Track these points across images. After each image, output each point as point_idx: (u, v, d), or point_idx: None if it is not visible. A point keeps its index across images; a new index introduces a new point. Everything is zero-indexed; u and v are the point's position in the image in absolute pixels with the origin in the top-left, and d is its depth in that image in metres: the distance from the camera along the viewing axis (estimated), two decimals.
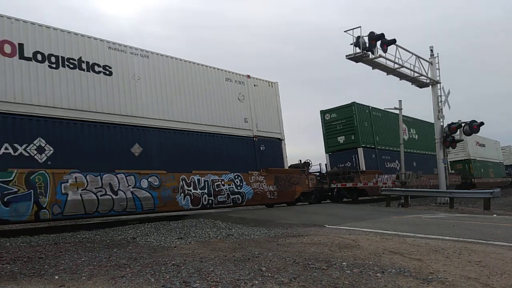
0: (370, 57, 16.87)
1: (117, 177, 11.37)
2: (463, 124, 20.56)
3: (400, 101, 21.36)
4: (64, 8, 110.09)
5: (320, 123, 23.48)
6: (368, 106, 23.30)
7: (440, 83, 20.57)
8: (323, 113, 23.33)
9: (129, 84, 12.28)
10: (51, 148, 10.40)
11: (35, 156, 10.09)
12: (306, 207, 15.58)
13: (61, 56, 10.99)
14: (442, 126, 20.52)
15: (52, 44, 10.87)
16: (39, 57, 10.59)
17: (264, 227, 9.77)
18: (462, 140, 22.70)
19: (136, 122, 12.25)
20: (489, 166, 37.28)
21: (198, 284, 4.27)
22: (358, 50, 16.36)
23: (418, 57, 19.69)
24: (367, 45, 16.32)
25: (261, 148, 15.99)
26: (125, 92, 12.15)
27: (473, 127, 20.48)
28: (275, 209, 15.73)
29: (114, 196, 11.20)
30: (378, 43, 16.75)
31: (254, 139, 15.84)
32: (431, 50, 20.60)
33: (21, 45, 10.29)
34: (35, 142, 10.14)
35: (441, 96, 20.50)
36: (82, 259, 5.91)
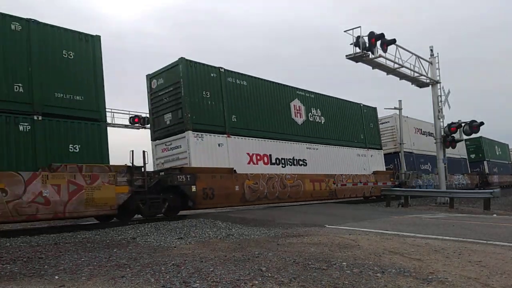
0: (370, 57, 16.84)
1: None
2: (463, 124, 20.56)
3: (400, 101, 21.44)
4: (63, 7, 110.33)
5: None
6: None
7: (440, 83, 20.57)
8: None
9: None
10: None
11: None
12: (306, 207, 15.58)
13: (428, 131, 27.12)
14: (442, 126, 20.54)
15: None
16: (423, 133, 27.09)
17: (264, 227, 9.76)
18: (462, 140, 22.82)
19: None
20: None
21: (198, 284, 4.27)
22: (358, 50, 16.35)
23: (418, 57, 19.68)
24: (367, 45, 16.31)
25: (463, 163, 32.79)
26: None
27: (473, 127, 20.47)
28: (275, 209, 15.77)
29: None
30: (378, 43, 16.70)
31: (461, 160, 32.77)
32: (431, 50, 20.60)
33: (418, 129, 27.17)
34: None
35: (441, 96, 20.51)
36: (82, 259, 5.91)
